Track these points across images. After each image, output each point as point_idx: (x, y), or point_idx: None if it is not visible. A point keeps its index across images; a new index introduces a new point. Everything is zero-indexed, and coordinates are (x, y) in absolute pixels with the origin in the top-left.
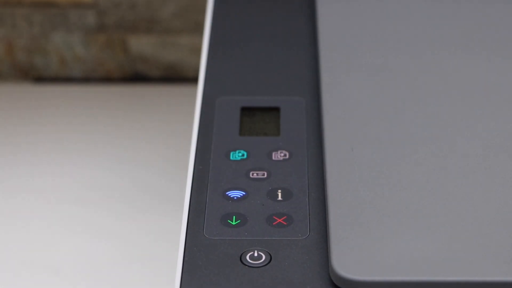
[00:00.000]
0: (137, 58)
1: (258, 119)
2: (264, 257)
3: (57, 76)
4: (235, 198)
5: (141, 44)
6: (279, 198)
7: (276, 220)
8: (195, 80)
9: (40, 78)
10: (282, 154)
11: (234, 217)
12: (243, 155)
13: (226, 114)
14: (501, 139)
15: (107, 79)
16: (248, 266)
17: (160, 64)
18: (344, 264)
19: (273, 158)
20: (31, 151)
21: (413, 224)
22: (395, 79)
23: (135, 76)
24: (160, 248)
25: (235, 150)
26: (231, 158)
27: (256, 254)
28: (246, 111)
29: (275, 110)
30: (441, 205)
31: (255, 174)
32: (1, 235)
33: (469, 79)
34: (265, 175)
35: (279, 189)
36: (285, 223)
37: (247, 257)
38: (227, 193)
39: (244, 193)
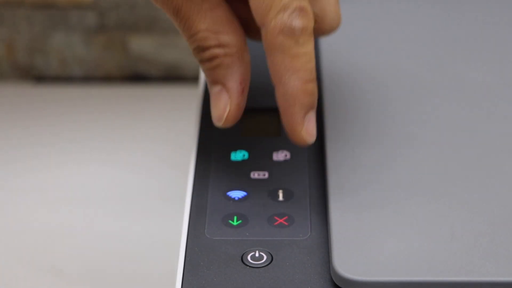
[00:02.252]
0: (137, 58)
1: (259, 119)
2: (265, 257)
3: (57, 76)
4: (236, 198)
5: (141, 44)
6: (280, 198)
7: (277, 220)
8: (195, 80)
9: (40, 78)
10: (283, 154)
11: (235, 217)
12: (244, 155)
13: None
14: (501, 139)
15: (107, 79)
16: (250, 266)
17: (160, 64)
18: (345, 264)
19: (274, 158)
20: (31, 151)
21: (414, 224)
22: (396, 79)
23: (135, 76)
24: (161, 248)
25: (236, 151)
26: (232, 158)
27: (257, 255)
28: (247, 111)
29: (276, 110)
30: (442, 205)
31: (256, 175)
32: (1, 235)
33: (471, 79)
34: (266, 176)
35: (280, 189)
36: (286, 223)
37: (249, 258)
38: (228, 193)
39: (245, 193)
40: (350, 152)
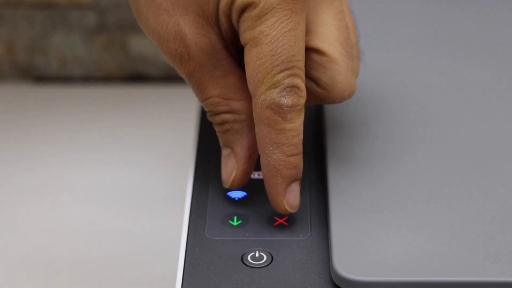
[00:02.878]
0: (137, 58)
1: None
2: (265, 257)
3: (57, 76)
4: (236, 198)
5: (141, 44)
6: None
7: (277, 221)
8: None
9: (40, 78)
10: None
11: (235, 217)
12: None
13: None
14: (501, 139)
15: (107, 79)
16: (250, 266)
17: (160, 64)
18: (345, 264)
19: None
20: (31, 151)
21: (414, 224)
22: (395, 78)
23: (135, 76)
24: (161, 248)
25: None
26: None
27: (257, 255)
28: None
29: None
30: (442, 206)
31: (256, 175)
32: (1, 235)
33: (472, 79)
34: None
35: None
36: (286, 224)
37: (249, 258)
38: (228, 193)
39: (245, 193)
40: (350, 152)
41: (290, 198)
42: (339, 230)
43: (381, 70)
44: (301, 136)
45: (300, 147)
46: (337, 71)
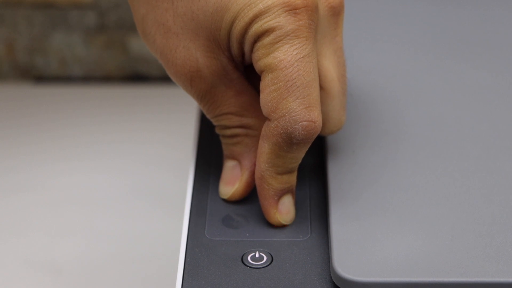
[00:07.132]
0: (137, 58)
1: None
2: (265, 258)
3: (57, 76)
4: None
5: (141, 44)
6: None
7: None
8: None
9: (40, 78)
10: None
11: (235, 218)
12: None
13: None
14: (501, 139)
15: (107, 79)
16: (250, 267)
17: (160, 64)
18: (345, 265)
19: None
20: (31, 151)
21: (414, 225)
22: (396, 79)
23: (135, 76)
24: (161, 249)
25: None
26: None
27: (257, 255)
28: None
29: None
30: (441, 206)
31: None
32: (2, 235)
33: (472, 81)
34: None
35: None
36: (286, 224)
37: (249, 258)
38: None
39: None
40: (350, 153)
41: (283, 210)
42: (339, 230)
43: (381, 70)
44: (299, 161)
45: (295, 169)
46: (332, 107)
